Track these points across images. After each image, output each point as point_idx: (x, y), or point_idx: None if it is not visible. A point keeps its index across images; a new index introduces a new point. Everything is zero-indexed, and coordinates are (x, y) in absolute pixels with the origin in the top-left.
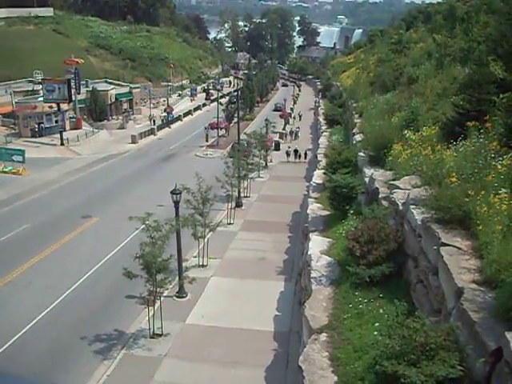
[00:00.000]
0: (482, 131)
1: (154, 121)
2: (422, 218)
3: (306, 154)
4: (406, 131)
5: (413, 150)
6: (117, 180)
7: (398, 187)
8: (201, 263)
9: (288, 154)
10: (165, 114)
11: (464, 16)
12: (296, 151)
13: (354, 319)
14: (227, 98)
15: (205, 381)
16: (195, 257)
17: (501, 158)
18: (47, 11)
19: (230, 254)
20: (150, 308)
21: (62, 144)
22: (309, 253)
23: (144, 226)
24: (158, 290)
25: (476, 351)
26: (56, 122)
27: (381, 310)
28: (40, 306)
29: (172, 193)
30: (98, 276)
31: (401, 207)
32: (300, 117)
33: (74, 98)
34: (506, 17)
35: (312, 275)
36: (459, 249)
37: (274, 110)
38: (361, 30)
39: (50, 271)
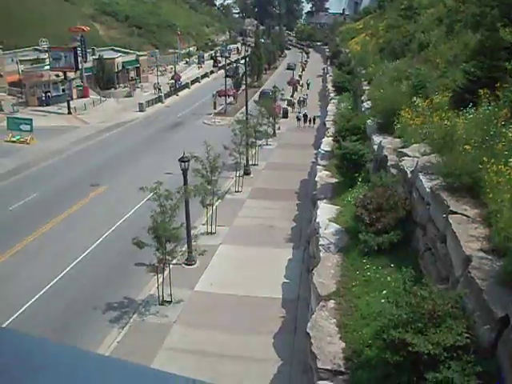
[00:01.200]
0: (492, 98)
1: (160, 89)
2: (431, 185)
3: (314, 119)
4: (415, 98)
5: (422, 118)
6: (125, 148)
7: (407, 155)
8: (209, 231)
9: (298, 119)
10: (172, 81)
11: None
12: (305, 116)
13: (362, 286)
14: (235, 64)
15: (214, 347)
16: (204, 224)
17: (511, 126)
18: None
19: (238, 221)
20: (159, 275)
21: (69, 113)
22: (317, 220)
23: (154, 195)
24: (168, 257)
25: (483, 319)
26: (63, 90)
27: (388, 278)
28: (50, 275)
29: (180, 160)
30: (107, 244)
31: (409, 175)
32: (308, 85)
33: (80, 67)
34: None
35: (320, 243)
36: (468, 217)
37: (288, 69)
38: None
39: (59, 240)
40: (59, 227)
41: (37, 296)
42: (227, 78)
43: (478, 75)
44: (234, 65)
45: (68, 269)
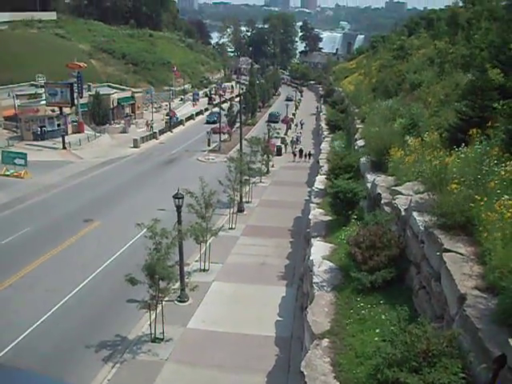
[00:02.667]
0: (484, 137)
1: (152, 126)
2: (425, 223)
3: (310, 154)
4: (407, 137)
5: (415, 156)
6: (119, 184)
7: (401, 193)
8: (202, 268)
9: (294, 154)
10: (167, 117)
11: (466, 22)
12: (301, 151)
13: (356, 325)
14: (229, 103)
15: None
16: (197, 261)
17: (503, 165)
18: (50, 15)
19: (231, 258)
20: (151, 312)
21: (63, 148)
22: (311, 258)
23: (150, 232)
24: (160, 295)
25: (479, 358)
26: (58, 125)
27: (383, 316)
28: (41, 310)
29: (174, 197)
30: (100, 280)
31: (403, 213)
32: (302, 125)
33: (76, 102)
34: (508, 24)
35: (314, 280)
36: (462, 255)
37: (287, 100)
38: (363, 36)
39: (51, 275)
40: (52, 262)
41: (27, 332)
42: (222, 116)
43: (469, 114)
44: (215, 111)
45: (60, 304)
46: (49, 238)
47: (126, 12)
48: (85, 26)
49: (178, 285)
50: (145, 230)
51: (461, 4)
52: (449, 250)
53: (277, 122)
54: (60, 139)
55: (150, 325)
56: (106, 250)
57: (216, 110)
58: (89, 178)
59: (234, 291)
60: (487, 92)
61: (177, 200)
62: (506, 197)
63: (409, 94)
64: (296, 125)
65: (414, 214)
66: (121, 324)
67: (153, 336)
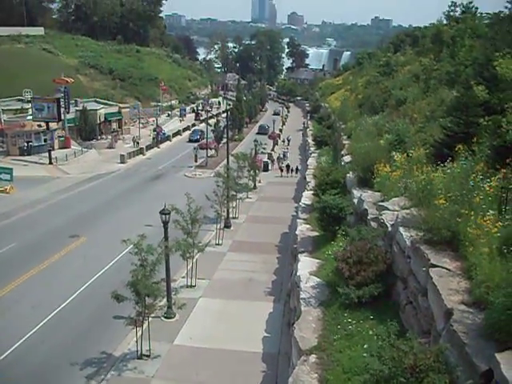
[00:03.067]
0: (469, 153)
1: (138, 142)
2: (411, 239)
3: (297, 168)
4: (393, 153)
5: (401, 172)
6: (105, 199)
7: (387, 208)
8: (189, 284)
9: (281, 169)
10: (154, 133)
11: (450, 40)
12: (288, 166)
13: (344, 340)
14: (216, 118)
15: None
16: (184, 277)
17: (488, 180)
18: (38, 30)
19: (218, 274)
20: (137, 329)
21: (50, 163)
22: (298, 274)
23: (136, 249)
24: (147, 311)
25: (466, 373)
26: (45, 140)
27: (370, 332)
28: (27, 326)
29: (161, 213)
30: (86, 296)
31: (390, 228)
32: (289, 141)
33: (63, 117)
34: (491, 41)
35: (301, 296)
36: (448, 270)
37: (274, 114)
38: (349, 53)
39: (37, 291)
40: (37, 278)
41: (12, 348)
42: (209, 131)
43: (454, 130)
44: (198, 128)
45: (45, 321)
46: (34, 254)
47: (114, 28)
48: (72, 42)
49: (164, 301)
50: (131, 246)
51: (445, 22)
52: (435, 265)
53: (266, 134)
54: (46, 154)
55: (137, 341)
56: (92, 266)
57: (199, 127)
58: (75, 193)
59: (221, 307)
60: (472, 108)
61: (163, 216)
62: (491, 212)
63: (395, 110)
64: (283, 141)
65: (401, 229)
66: (107, 341)
67: (139, 353)
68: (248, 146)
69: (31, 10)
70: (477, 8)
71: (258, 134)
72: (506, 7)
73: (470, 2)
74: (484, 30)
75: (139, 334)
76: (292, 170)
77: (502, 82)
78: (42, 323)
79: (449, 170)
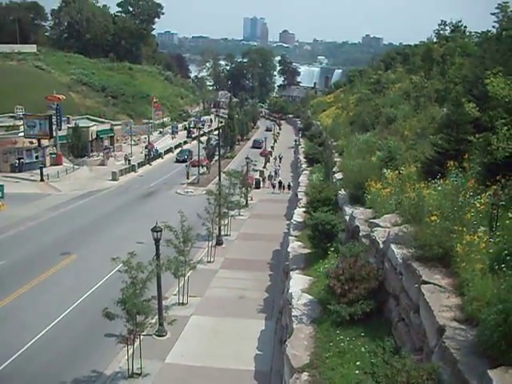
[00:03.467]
0: (460, 170)
1: (129, 160)
2: (403, 256)
3: (289, 185)
4: (384, 170)
5: (392, 189)
6: (97, 217)
7: (379, 225)
8: (181, 301)
9: (273, 186)
10: (146, 150)
11: (440, 58)
12: (280, 182)
13: (336, 358)
14: (208, 136)
15: None
16: (175, 295)
17: (479, 197)
18: (30, 48)
19: (210, 292)
20: (129, 347)
21: (41, 180)
22: (290, 291)
23: (126, 267)
24: (138, 329)
25: None
26: (36, 157)
27: (362, 349)
28: (16, 345)
29: (153, 230)
30: (77, 314)
31: (381, 245)
32: (280, 159)
33: (54, 134)
34: (480, 59)
35: (293, 313)
36: (440, 286)
37: (266, 130)
38: (340, 70)
39: (27, 309)
40: (27, 296)
41: (1, 367)
42: (201, 148)
43: (445, 147)
44: (186, 148)
45: (35, 339)
46: (25, 271)
47: (106, 45)
48: (65, 59)
49: (156, 319)
50: (121, 264)
51: (435, 40)
52: (427, 282)
53: (260, 148)
54: (38, 171)
55: (128, 360)
56: (83, 284)
57: (186, 147)
58: (67, 210)
59: (212, 325)
60: (462, 125)
61: (155, 233)
62: (482, 228)
63: (386, 128)
64: (275, 158)
65: (392, 246)
66: (97, 359)
67: (130, 371)
68: (240, 163)
69: (24, 27)
70: (466, 27)
71: (252, 147)
72: (494, 26)
73: (459, 21)
74: (473, 48)
75: (130, 352)
76: (284, 187)
77: (491, 99)
78: (31, 341)
79: (440, 187)
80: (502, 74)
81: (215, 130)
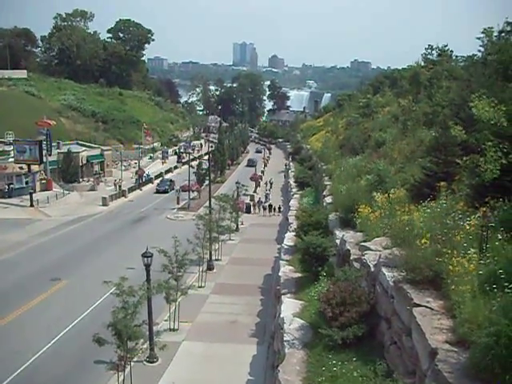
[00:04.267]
0: (449, 192)
1: (120, 186)
2: (394, 279)
3: (280, 208)
4: (374, 193)
5: (382, 212)
6: (87, 242)
7: (369, 249)
8: (172, 327)
9: (264, 208)
10: (136, 175)
11: (428, 82)
12: (270, 205)
13: (328, 382)
14: (198, 160)
15: None
16: (166, 320)
17: (468, 219)
18: (21, 73)
19: (201, 317)
20: (119, 374)
21: (31, 205)
22: (281, 316)
23: (118, 291)
24: (129, 355)
25: None
26: (26, 183)
27: (355, 373)
28: (6, 372)
29: (143, 256)
30: (67, 341)
31: (372, 269)
32: (271, 184)
33: (44, 160)
34: (466, 83)
35: (285, 338)
36: (431, 309)
37: (256, 152)
38: (329, 94)
39: (15, 336)
40: (17, 322)
41: None
42: (191, 173)
43: (434, 170)
44: (167, 178)
45: (25, 366)
46: (14, 298)
47: (97, 70)
48: (55, 84)
49: (146, 345)
50: (113, 288)
51: (422, 64)
52: (418, 305)
53: (255, 166)
54: (28, 197)
55: None
56: (73, 310)
57: (168, 177)
58: (57, 235)
59: (204, 351)
60: (450, 148)
61: (145, 259)
62: (472, 250)
63: (375, 151)
64: (265, 183)
65: (383, 269)
66: None
67: None
68: (230, 187)
69: (15, 53)
70: (452, 51)
71: (247, 166)
72: (480, 51)
73: (446, 46)
74: (460, 72)
75: (121, 378)
76: (274, 209)
77: (478, 122)
78: (21, 368)
79: (429, 210)
80: (487, 97)
81: (205, 154)
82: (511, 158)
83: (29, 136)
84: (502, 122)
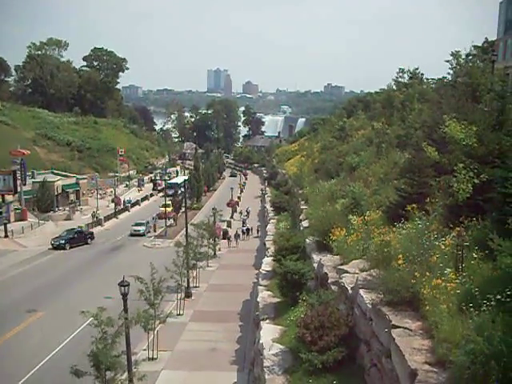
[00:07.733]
0: (423, 213)
1: (97, 217)
2: (372, 301)
3: (258, 229)
4: (350, 216)
5: (359, 234)
6: (63, 272)
7: (347, 271)
8: (151, 356)
9: (243, 232)
10: (113, 203)
11: (400, 104)
12: (248, 230)
13: None
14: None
15: None
16: (145, 350)
17: (443, 239)
18: None
19: (180, 345)
20: None
21: (5, 236)
22: (261, 341)
23: (96, 321)
24: None
25: None
26: (0, 213)
27: None
28: None
29: (120, 285)
30: (44, 373)
31: (350, 291)
32: (248, 213)
33: (19, 189)
34: (438, 105)
35: (265, 364)
36: (410, 330)
37: (231, 176)
38: (304, 119)
39: None
40: None
41: None
42: (167, 200)
43: (408, 191)
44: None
45: None
46: None
47: (71, 98)
48: (29, 114)
49: (125, 375)
50: (91, 318)
51: (394, 87)
52: (397, 326)
53: (235, 176)
54: (2, 227)
55: None
56: (50, 341)
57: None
58: (32, 266)
59: (184, 379)
60: (424, 169)
61: (122, 288)
62: (448, 270)
63: (349, 174)
64: (240, 212)
65: (361, 291)
66: None
67: None
68: (207, 214)
69: None
70: (423, 74)
71: (230, 176)
72: (449, 73)
73: (416, 69)
74: (431, 94)
75: None
76: (252, 230)
77: (450, 143)
78: None
79: (405, 231)
80: (456, 119)
81: (181, 182)
82: (483, 177)
83: (3, 166)
84: (473, 143)
